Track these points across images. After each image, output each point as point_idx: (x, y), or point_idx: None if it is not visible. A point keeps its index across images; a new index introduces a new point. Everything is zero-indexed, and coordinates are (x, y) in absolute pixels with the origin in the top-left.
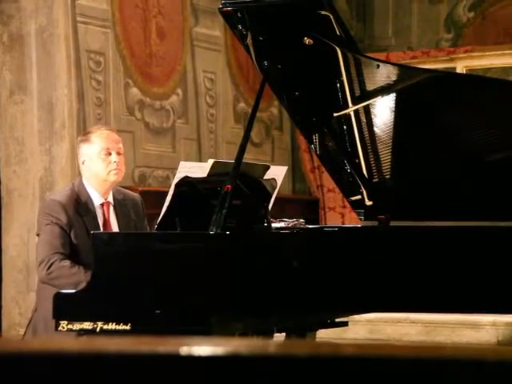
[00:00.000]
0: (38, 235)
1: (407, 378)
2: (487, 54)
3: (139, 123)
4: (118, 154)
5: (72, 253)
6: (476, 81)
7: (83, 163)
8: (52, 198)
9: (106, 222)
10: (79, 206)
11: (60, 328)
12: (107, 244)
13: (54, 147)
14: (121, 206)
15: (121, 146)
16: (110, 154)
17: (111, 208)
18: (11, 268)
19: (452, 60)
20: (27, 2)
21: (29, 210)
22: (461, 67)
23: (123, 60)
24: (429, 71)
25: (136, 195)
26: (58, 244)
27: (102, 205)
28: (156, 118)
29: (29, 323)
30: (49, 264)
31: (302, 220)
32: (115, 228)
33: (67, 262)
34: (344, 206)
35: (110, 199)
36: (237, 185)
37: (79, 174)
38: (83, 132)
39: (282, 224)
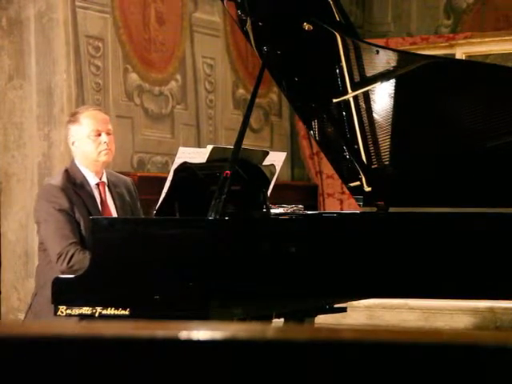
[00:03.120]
0: (37, 223)
1: (406, 363)
2: (486, 40)
3: (138, 109)
4: (108, 134)
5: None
6: (475, 67)
7: (73, 144)
8: (49, 183)
9: (104, 202)
10: (76, 187)
11: (59, 313)
12: (106, 229)
13: (53, 132)
14: (115, 186)
15: (110, 126)
16: (99, 134)
17: (106, 188)
18: (10, 253)
19: (451, 46)
20: None
21: (28, 195)
22: (460, 53)
23: (122, 45)
24: (428, 57)
25: (128, 178)
26: (69, 232)
27: (98, 185)
28: (155, 104)
29: (28, 308)
30: (68, 257)
31: (300, 206)
32: (112, 208)
33: (86, 253)
34: (343, 192)
35: (104, 179)
36: (236, 170)
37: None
38: (71, 113)
39: (280, 210)
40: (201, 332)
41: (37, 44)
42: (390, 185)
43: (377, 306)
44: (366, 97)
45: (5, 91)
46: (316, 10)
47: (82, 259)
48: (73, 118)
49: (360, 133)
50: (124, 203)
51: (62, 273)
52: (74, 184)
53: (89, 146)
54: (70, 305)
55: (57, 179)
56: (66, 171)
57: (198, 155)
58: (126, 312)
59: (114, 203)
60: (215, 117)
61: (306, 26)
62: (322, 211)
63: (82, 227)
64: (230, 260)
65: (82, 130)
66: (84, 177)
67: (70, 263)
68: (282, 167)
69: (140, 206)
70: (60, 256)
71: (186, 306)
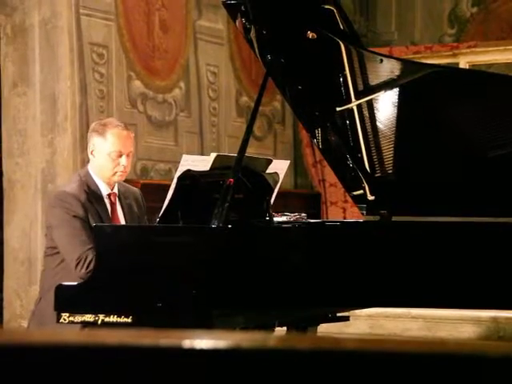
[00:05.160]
0: (49, 227)
1: (408, 373)
2: (490, 49)
3: (142, 116)
4: (128, 156)
5: None
6: (479, 76)
7: (91, 153)
8: (64, 190)
9: (113, 212)
10: (90, 195)
11: (61, 320)
12: (109, 236)
13: (57, 139)
14: (125, 198)
15: (132, 148)
16: (120, 156)
17: (117, 199)
18: (13, 260)
19: (455, 55)
20: None
21: (31, 202)
22: (464, 62)
23: (126, 53)
24: (432, 66)
25: (136, 189)
26: (85, 238)
27: (109, 195)
28: (158, 111)
29: (32, 314)
30: (87, 262)
31: (303, 214)
32: (121, 218)
33: None
34: (346, 201)
35: (116, 190)
36: (239, 178)
37: (87, 162)
38: (99, 121)
39: (283, 218)
40: (203, 340)
41: (41, 51)
42: (393, 193)
43: (379, 314)
44: (370, 105)
45: (9, 98)
46: (320, 19)
47: None
48: (100, 129)
49: (363, 141)
50: (132, 214)
51: (81, 278)
52: (87, 193)
53: (107, 163)
54: (72, 312)
55: (71, 186)
56: (80, 180)
57: (202, 163)
58: (129, 320)
59: (124, 214)
60: (218, 124)
61: (310, 35)
62: (324, 219)
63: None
64: (233, 268)
65: (105, 146)
66: (97, 186)
67: (89, 268)
68: (285, 175)
69: (146, 218)
70: (79, 262)
71: (188, 314)
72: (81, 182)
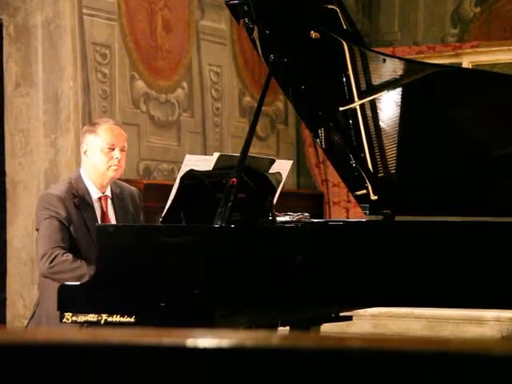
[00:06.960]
0: (37, 230)
1: (412, 371)
2: (493, 49)
3: (144, 116)
4: (122, 150)
5: (71, 247)
6: (482, 76)
7: (85, 153)
8: (49, 192)
9: (105, 216)
10: (77, 199)
11: (64, 320)
12: (112, 236)
13: (60, 139)
14: (119, 199)
15: (125, 144)
16: (113, 149)
17: (109, 201)
18: (16, 260)
19: (458, 55)
20: None
21: (34, 202)
22: (467, 62)
23: (129, 53)
24: (435, 66)
25: (133, 188)
26: (58, 238)
27: (100, 198)
28: (161, 111)
29: (31, 317)
30: (51, 258)
31: (306, 214)
32: (113, 222)
33: (69, 256)
34: (349, 201)
35: (108, 193)
36: (242, 178)
37: (80, 165)
38: (90, 122)
39: (286, 218)
40: (206, 340)
41: (44, 51)
42: (396, 193)
43: (382, 314)
44: (373, 105)
45: (12, 98)
46: (323, 19)
47: (64, 261)
48: (91, 127)
49: (366, 141)
50: (127, 216)
51: (43, 274)
52: (75, 196)
53: (100, 159)
54: (75, 312)
55: (58, 189)
56: (70, 183)
57: (205, 163)
58: (132, 319)
59: (116, 217)
60: (221, 124)
61: (313, 35)
62: (327, 219)
63: (77, 239)
64: (236, 267)
65: (98, 141)
66: (87, 189)
67: (52, 263)
68: (288, 175)
69: (143, 217)
70: (43, 256)
71: (191, 313)
72: (70, 185)
